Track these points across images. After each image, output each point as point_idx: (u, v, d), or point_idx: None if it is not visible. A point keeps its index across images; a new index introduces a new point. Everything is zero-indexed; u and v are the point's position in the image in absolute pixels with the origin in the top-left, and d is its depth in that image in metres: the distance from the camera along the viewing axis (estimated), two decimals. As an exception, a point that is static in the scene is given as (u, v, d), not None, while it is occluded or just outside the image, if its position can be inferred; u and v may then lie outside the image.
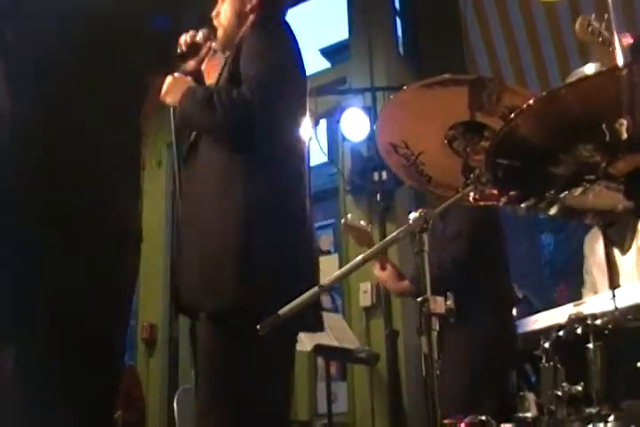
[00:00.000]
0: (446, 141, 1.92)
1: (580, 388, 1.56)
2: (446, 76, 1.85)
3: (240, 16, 2.50)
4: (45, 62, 1.43)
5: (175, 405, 4.40)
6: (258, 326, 1.61)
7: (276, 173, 2.23)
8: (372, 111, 4.96)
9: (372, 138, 4.73)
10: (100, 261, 1.42)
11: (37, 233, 1.34)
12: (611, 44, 1.86)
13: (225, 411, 2.09)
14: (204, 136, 2.32)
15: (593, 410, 1.51)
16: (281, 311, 1.62)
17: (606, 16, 1.93)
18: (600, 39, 2.38)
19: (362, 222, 3.44)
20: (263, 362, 2.11)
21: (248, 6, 2.50)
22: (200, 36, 2.50)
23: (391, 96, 2.30)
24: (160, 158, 6.52)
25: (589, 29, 2.56)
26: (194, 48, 2.50)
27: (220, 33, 2.52)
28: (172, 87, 2.35)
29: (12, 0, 1.46)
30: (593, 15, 1.92)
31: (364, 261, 1.77)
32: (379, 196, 4.82)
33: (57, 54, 1.44)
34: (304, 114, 2.44)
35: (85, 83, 1.46)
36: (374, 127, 2.18)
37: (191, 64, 2.50)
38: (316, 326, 2.35)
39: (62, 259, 1.34)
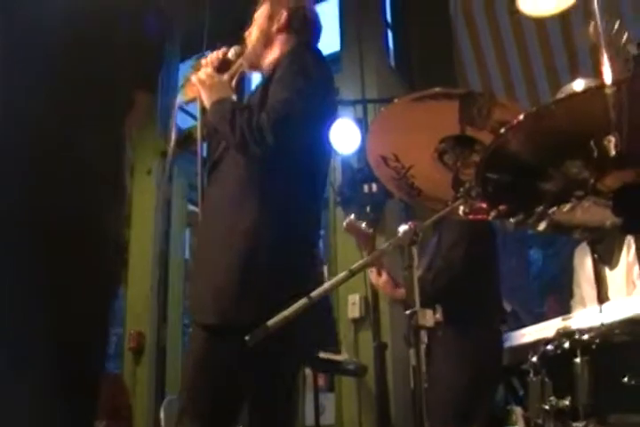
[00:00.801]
0: (437, 155, 1.93)
1: (567, 402, 1.56)
2: (437, 89, 1.86)
3: (267, 35, 2.55)
4: (33, 69, 1.43)
5: (162, 414, 4.38)
6: (246, 338, 1.61)
7: (290, 192, 2.26)
8: (362, 123, 4.97)
9: (362, 150, 4.73)
10: (84, 263, 1.42)
11: (24, 235, 1.35)
12: (620, 50, 1.88)
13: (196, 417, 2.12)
14: (229, 152, 2.36)
15: (580, 424, 1.52)
16: (270, 323, 1.62)
17: (617, 22, 1.95)
18: (610, 45, 2.40)
19: (363, 225, 3.43)
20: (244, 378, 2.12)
21: (275, 26, 2.54)
22: (232, 52, 2.54)
23: (382, 108, 2.30)
24: (149, 167, 6.51)
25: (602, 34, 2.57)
26: (224, 64, 2.53)
27: (247, 51, 2.56)
28: (215, 85, 2.40)
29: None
30: (605, 21, 1.94)
31: (353, 273, 1.77)
32: (368, 208, 4.82)
33: (46, 60, 1.44)
34: (329, 140, 2.48)
35: (72, 92, 1.46)
36: (365, 139, 2.20)
37: None
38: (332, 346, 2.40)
39: (47, 260, 1.35)
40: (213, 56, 2.54)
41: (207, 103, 2.39)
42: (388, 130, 2.01)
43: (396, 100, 2.01)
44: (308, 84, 2.26)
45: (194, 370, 2.20)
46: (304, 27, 2.57)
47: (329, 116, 2.44)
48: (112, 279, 1.58)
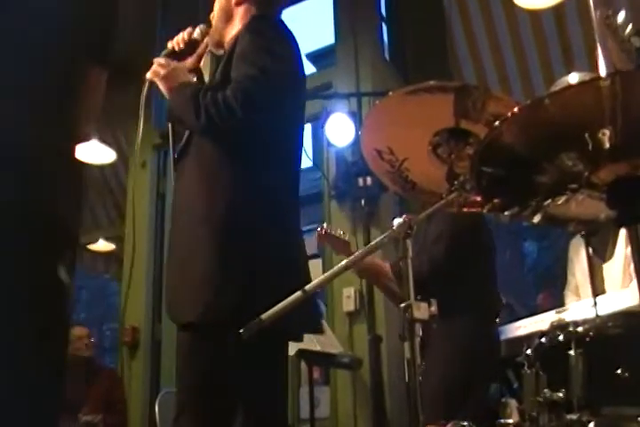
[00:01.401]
0: (431, 148, 1.93)
1: (561, 394, 1.56)
2: (432, 82, 1.86)
3: (227, 10, 2.48)
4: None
5: (157, 408, 4.39)
6: (241, 331, 1.61)
7: (262, 176, 2.21)
8: (357, 116, 4.97)
9: (356, 143, 4.73)
10: (35, 260, 1.42)
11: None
12: (623, 41, 1.88)
13: (197, 413, 2.10)
14: (194, 138, 2.31)
15: (574, 416, 1.52)
16: (264, 316, 1.62)
17: (623, 13, 1.95)
18: (615, 35, 2.40)
19: (339, 231, 3.40)
20: (236, 366, 2.11)
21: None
22: (197, 32, 2.47)
23: (377, 102, 2.30)
24: (144, 159, 6.50)
25: (607, 23, 2.57)
26: (190, 45, 2.47)
27: (211, 29, 2.50)
28: (170, 74, 2.33)
29: None
30: (610, 11, 1.95)
31: (348, 266, 1.77)
32: (363, 201, 4.83)
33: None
34: (298, 115, 2.41)
35: (14, 82, 1.43)
36: (359, 133, 2.19)
37: (189, 62, 2.48)
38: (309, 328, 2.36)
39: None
40: (179, 38, 2.48)
41: (166, 94, 2.34)
42: (382, 123, 2.01)
43: (390, 94, 2.01)
44: (272, 61, 2.19)
45: (183, 370, 2.18)
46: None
47: (297, 93, 2.36)
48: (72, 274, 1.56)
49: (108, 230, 7.95)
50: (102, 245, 8.14)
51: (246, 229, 2.13)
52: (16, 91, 1.40)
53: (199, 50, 2.50)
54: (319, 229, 3.33)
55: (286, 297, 1.67)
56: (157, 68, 2.36)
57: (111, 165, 6.93)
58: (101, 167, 7.16)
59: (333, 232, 3.36)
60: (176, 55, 2.47)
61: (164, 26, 6.66)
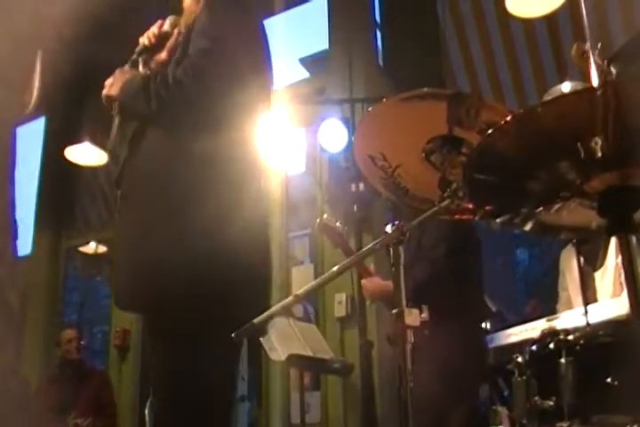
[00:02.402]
0: (424, 155, 1.94)
1: (551, 402, 1.57)
2: (425, 89, 1.86)
3: None
4: None
5: (147, 411, 4.37)
6: (233, 335, 1.61)
7: (220, 165, 2.10)
8: (350, 122, 4.97)
9: (350, 149, 4.73)
10: None
11: None
12: (602, 71, 1.91)
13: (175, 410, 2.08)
14: (145, 130, 2.21)
15: (564, 424, 1.53)
16: (256, 320, 1.62)
17: (599, 44, 1.98)
18: (592, 64, 2.46)
19: (337, 224, 3.43)
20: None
21: None
22: (167, 23, 2.40)
23: (370, 108, 2.29)
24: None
25: (584, 56, 2.63)
26: (162, 38, 2.39)
27: (186, 13, 2.40)
28: (115, 80, 2.26)
29: None
30: (588, 43, 2.00)
31: (339, 272, 1.77)
32: (355, 206, 4.82)
33: None
34: (261, 93, 2.28)
35: None
36: (353, 138, 2.18)
37: (162, 56, 2.37)
38: None
39: None
40: (150, 32, 2.41)
41: (119, 97, 2.24)
42: (375, 129, 2.01)
43: (384, 100, 2.01)
44: (228, 31, 2.12)
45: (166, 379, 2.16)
46: None
47: (257, 65, 2.25)
48: None
49: (99, 233, 7.93)
50: (94, 248, 8.12)
51: (196, 237, 2.02)
52: None
53: (170, 42, 2.38)
54: (318, 220, 3.38)
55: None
56: (106, 86, 2.29)
57: (103, 167, 6.91)
58: (93, 169, 7.14)
59: (331, 224, 3.40)
60: (149, 51, 2.39)
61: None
